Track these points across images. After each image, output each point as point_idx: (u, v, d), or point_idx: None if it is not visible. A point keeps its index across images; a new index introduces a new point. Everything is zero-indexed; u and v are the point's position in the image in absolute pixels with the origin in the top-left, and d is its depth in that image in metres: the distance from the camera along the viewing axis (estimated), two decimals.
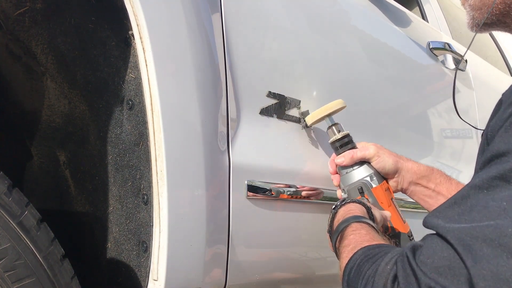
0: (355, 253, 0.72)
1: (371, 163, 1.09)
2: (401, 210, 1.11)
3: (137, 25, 0.83)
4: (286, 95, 1.11)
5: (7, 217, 0.73)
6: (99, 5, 0.94)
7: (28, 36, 1.01)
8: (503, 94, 0.64)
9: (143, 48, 0.83)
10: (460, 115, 1.07)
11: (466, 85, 1.96)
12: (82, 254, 1.07)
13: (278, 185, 1.06)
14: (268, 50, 1.08)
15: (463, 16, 0.84)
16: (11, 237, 0.73)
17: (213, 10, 0.95)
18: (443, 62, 1.79)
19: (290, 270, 1.16)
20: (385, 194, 1.07)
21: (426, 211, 1.16)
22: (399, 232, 1.06)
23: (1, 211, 0.73)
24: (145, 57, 0.84)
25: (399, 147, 1.49)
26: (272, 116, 1.08)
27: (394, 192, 1.12)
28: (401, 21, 1.61)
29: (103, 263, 1.01)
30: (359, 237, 0.78)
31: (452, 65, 1.85)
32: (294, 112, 1.13)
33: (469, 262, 0.51)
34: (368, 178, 1.07)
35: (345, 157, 1.08)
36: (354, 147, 1.11)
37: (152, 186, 0.86)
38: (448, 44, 1.82)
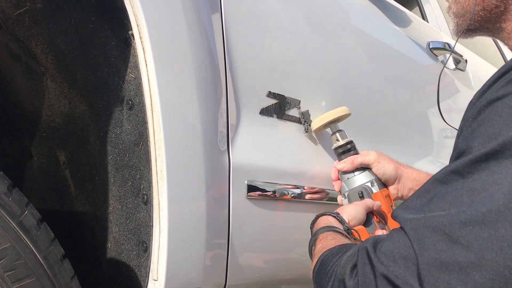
0: (320, 255, 0.76)
1: (372, 169, 1.10)
2: None
3: (137, 25, 0.83)
4: (286, 95, 1.11)
5: (7, 217, 0.73)
6: (99, 5, 0.94)
7: (28, 36, 1.01)
8: (474, 95, 0.66)
9: (143, 48, 0.83)
10: (444, 118, 1.09)
11: (466, 85, 1.96)
12: (82, 254, 1.07)
13: (278, 185, 1.06)
14: (268, 50, 1.08)
15: None
16: (11, 237, 0.73)
17: (213, 10, 0.95)
18: (443, 62, 1.79)
19: (290, 270, 1.16)
20: (385, 201, 1.07)
21: None
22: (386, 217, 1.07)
23: (1, 211, 0.73)
24: (145, 57, 0.84)
25: (399, 147, 1.49)
26: (272, 116, 1.08)
27: (395, 199, 1.12)
28: (401, 21, 1.61)
29: (103, 263, 1.01)
30: (325, 243, 0.81)
31: (452, 65, 1.85)
32: (294, 112, 1.13)
33: (417, 250, 0.55)
34: (369, 184, 1.08)
35: (346, 162, 1.10)
36: (356, 153, 1.12)
37: (152, 186, 0.86)
38: (448, 44, 1.82)
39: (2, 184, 0.74)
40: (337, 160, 1.14)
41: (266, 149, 1.06)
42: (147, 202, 0.88)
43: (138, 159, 0.91)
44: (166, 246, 0.85)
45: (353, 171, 1.10)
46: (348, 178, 1.11)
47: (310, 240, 0.89)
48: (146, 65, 0.84)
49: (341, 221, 0.91)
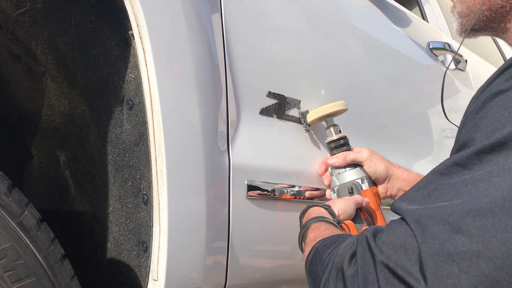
0: (315, 244, 0.75)
1: (363, 167, 1.10)
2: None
3: (137, 25, 0.83)
4: (286, 95, 1.11)
5: (7, 217, 0.73)
6: (99, 5, 0.94)
7: (28, 36, 1.01)
8: (477, 90, 0.66)
9: (143, 48, 0.83)
10: (447, 116, 1.09)
11: (466, 85, 1.96)
12: (82, 254, 1.07)
13: (278, 185, 1.06)
14: (268, 50, 1.08)
15: None
16: (11, 237, 0.73)
17: (213, 10, 0.95)
18: (443, 62, 1.79)
19: (290, 270, 1.16)
20: (374, 198, 1.08)
21: None
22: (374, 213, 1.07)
23: (1, 211, 0.73)
24: (145, 57, 0.84)
25: (399, 147, 1.49)
26: (272, 116, 1.08)
27: (383, 198, 1.13)
28: (401, 21, 1.61)
29: (103, 263, 1.01)
30: (318, 232, 0.81)
31: (452, 65, 1.85)
32: (294, 112, 1.13)
33: (420, 239, 0.55)
34: (359, 180, 1.09)
35: (338, 158, 1.11)
36: (349, 149, 1.12)
37: (152, 186, 0.86)
38: (448, 44, 1.82)
39: (2, 184, 0.74)
40: (328, 154, 1.14)
41: (266, 149, 1.06)
42: (147, 202, 0.88)
43: (138, 159, 0.91)
44: (166, 246, 0.85)
45: (344, 167, 1.11)
46: (338, 173, 1.11)
47: (301, 229, 0.89)
48: (146, 65, 0.84)
49: (332, 213, 0.91)
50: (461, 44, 0.97)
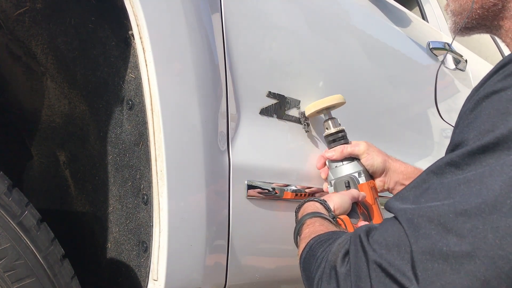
0: (309, 241, 0.76)
1: (361, 160, 1.10)
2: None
3: (137, 25, 0.83)
4: (286, 95, 1.11)
5: (7, 217, 0.73)
6: (99, 5, 0.94)
7: (28, 36, 1.01)
8: (471, 90, 0.66)
9: (143, 48, 0.83)
10: (441, 115, 1.09)
11: (466, 85, 1.96)
12: (82, 254, 1.07)
13: (279, 185, 1.06)
14: (268, 50, 1.08)
15: None
16: (11, 237, 0.73)
17: (213, 10, 0.95)
18: (443, 62, 1.79)
19: (290, 270, 1.16)
20: (371, 192, 1.08)
21: None
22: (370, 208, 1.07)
23: (1, 211, 0.73)
24: (145, 57, 0.84)
25: (399, 147, 1.49)
26: (272, 116, 1.08)
27: (380, 191, 1.13)
28: (401, 21, 1.61)
29: (103, 263, 1.01)
30: (313, 229, 0.81)
31: (452, 65, 1.85)
32: (294, 112, 1.13)
33: (412, 239, 0.55)
34: (356, 174, 1.09)
35: (335, 151, 1.11)
36: (347, 143, 1.12)
37: (152, 186, 0.86)
38: (448, 44, 1.82)
39: (2, 184, 0.74)
40: (326, 148, 1.14)
41: (266, 149, 1.06)
42: (147, 202, 0.88)
43: (138, 159, 0.91)
44: (166, 246, 0.85)
45: (341, 160, 1.11)
46: (336, 167, 1.11)
47: (296, 225, 0.89)
48: (146, 65, 0.84)
49: (328, 208, 0.91)
50: (452, 41, 0.98)
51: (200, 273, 0.91)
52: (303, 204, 0.95)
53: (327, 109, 1.13)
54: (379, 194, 1.13)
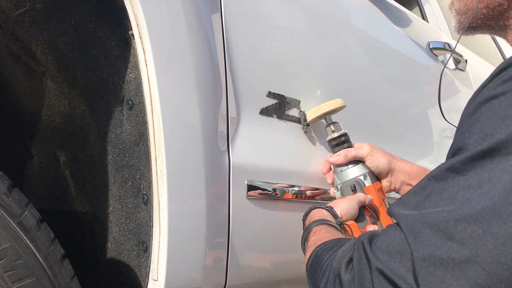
0: (315, 248, 0.76)
1: (365, 163, 1.10)
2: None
3: (137, 25, 0.83)
4: (286, 95, 1.11)
5: (7, 217, 0.73)
6: (99, 5, 0.94)
7: (28, 36, 1.01)
8: (473, 93, 0.66)
9: (143, 48, 0.83)
10: (445, 116, 1.09)
11: (466, 85, 1.96)
12: (82, 254, 1.07)
13: (278, 185, 1.06)
14: (268, 50, 1.08)
15: None
16: (11, 237, 0.73)
17: (213, 10, 0.95)
18: (443, 62, 1.79)
19: (290, 270, 1.16)
20: (378, 194, 1.08)
21: None
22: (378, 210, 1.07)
23: (1, 211, 0.73)
24: (145, 57, 0.84)
25: (399, 147, 1.49)
26: (272, 116, 1.08)
27: (387, 192, 1.13)
28: (401, 21, 1.61)
29: (103, 263, 1.01)
30: (319, 236, 0.81)
31: (452, 65, 1.85)
32: (294, 112, 1.13)
33: (413, 246, 0.55)
34: (361, 177, 1.09)
35: (340, 155, 1.11)
36: (350, 146, 1.12)
37: (152, 186, 0.86)
38: (448, 44, 1.82)
39: (2, 184, 0.74)
40: (330, 153, 1.14)
41: (266, 149, 1.06)
42: (147, 202, 0.88)
43: (138, 159, 0.91)
44: (166, 246, 0.85)
45: (346, 164, 1.11)
46: (341, 171, 1.11)
47: (303, 232, 0.89)
48: (146, 65, 0.84)
49: (334, 215, 0.91)
50: (457, 42, 0.97)
51: (200, 273, 0.91)
52: (310, 211, 0.95)
53: (328, 114, 1.13)
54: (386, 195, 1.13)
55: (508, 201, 0.50)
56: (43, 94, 1.07)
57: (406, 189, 1.12)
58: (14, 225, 0.73)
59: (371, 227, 0.97)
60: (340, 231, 0.85)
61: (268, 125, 1.07)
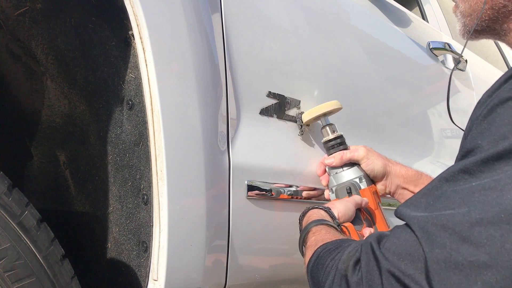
0: (316, 249, 0.75)
1: (361, 165, 1.10)
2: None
3: (137, 25, 0.83)
4: (286, 95, 1.11)
5: (7, 217, 0.73)
6: (99, 5, 0.94)
7: (28, 36, 1.01)
8: (482, 95, 0.65)
9: (143, 48, 0.83)
10: (452, 119, 1.08)
11: (466, 85, 1.96)
12: (82, 254, 1.07)
13: (278, 185, 1.06)
14: (268, 50, 1.08)
15: None
16: (11, 237, 0.73)
17: (213, 10, 0.95)
18: (443, 62, 1.79)
19: (290, 270, 1.16)
20: (373, 197, 1.08)
21: None
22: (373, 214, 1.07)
23: (1, 211, 0.73)
24: (145, 57, 0.84)
25: (399, 147, 1.49)
26: (272, 116, 1.08)
27: (382, 196, 1.13)
28: (401, 21, 1.61)
29: (103, 263, 1.01)
30: (319, 237, 0.81)
31: (452, 65, 1.85)
32: (294, 112, 1.13)
33: (426, 248, 0.54)
34: (357, 180, 1.08)
35: (335, 158, 1.10)
36: (345, 148, 1.11)
37: (152, 186, 0.86)
38: (448, 44, 1.82)
39: (2, 184, 0.74)
40: (326, 155, 1.14)
41: (266, 149, 1.06)
42: (147, 202, 0.88)
43: (138, 159, 0.91)
44: (166, 246, 0.85)
45: (341, 167, 1.10)
46: (336, 173, 1.11)
47: (302, 232, 0.88)
48: (146, 65, 0.84)
49: (332, 216, 0.91)
50: (464, 46, 0.96)
51: (200, 273, 0.91)
52: (307, 211, 0.95)
53: (324, 115, 1.13)
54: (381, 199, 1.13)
55: None
56: (43, 94, 1.07)
57: (401, 192, 1.12)
58: (14, 225, 0.73)
59: (367, 230, 0.96)
60: (339, 232, 0.85)
61: (268, 125, 1.07)
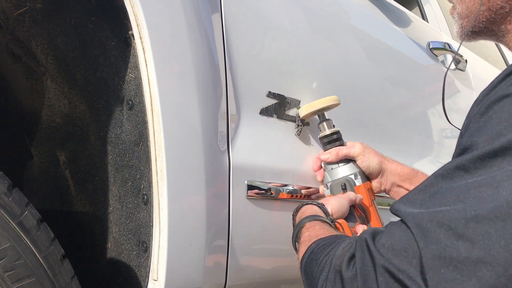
0: (310, 244, 0.75)
1: (356, 162, 1.10)
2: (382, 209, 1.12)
3: (137, 25, 0.83)
4: (286, 95, 1.11)
5: (7, 217, 0.73)
6: (99, 5, 0.94)
7: (28, 36, 1.01)
8: (480, 93, 0.66)
9: (143, 48, 0.83)
10: (448, 118, 1.08)
11: (466, 85, 1.96)
12: (82, 254, 1.07)
13: (278, 185, 1.06)
14: (268, 50, 1.08)
15: None
16: (11, 237, 0.73)
17: (213, 10, 0.95)
18: (443, 62, 1.79)
19: (290, 270, 1.16)
20: (368, 194, 1.08)
21: None
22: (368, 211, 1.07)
23: (1, 211, 0.73)
24: (145, 57, 0.84)
25: (399, 147, 1.49)
26: (272, 116, 1.08)
27: (377, 193, 1.12)
28: (401, 21, 1.61)
29: (103, 263, 1.01)
30: (313, 232, 0.80)
31: (452, 65, 1.85)
32: (294, 112, 1.13)
33: (421, 244, 0.54)
34: (352, 176, 1.08)
35: (331, 153, 1.10)
36: (342, 144, 1.11)
37: (152, 186, 0.86)
38: (448, 44, 1.82)
39: (2, 184, 0.74)
40: (322, 150, 1.14)
41: (266, 149, 1.06)
42: (147, 202, 0.88)
43: (138, 159, 0.91)
44: (166, 246, 0.85)
45: (337, 162, 1.10)
46: (331, 169, 1.10)
47: (295, 228, 0.88)
48: (146, 65, 0.84)
49: (326, 212, 0.91)
50: (459, 46, 0.96)
51: (200, 273, 0.91)
52: (301, 207, 0.95)
53: (322, 111, 1.13)
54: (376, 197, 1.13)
55: None
56: (43, 94, 1.07)
57: (396, 190, 1.12)
58: (14, 225, 0.73)
59: (361, 227, 0.96)
60: (333, 228, 0.85)
61: (268, 125, 1.07)
